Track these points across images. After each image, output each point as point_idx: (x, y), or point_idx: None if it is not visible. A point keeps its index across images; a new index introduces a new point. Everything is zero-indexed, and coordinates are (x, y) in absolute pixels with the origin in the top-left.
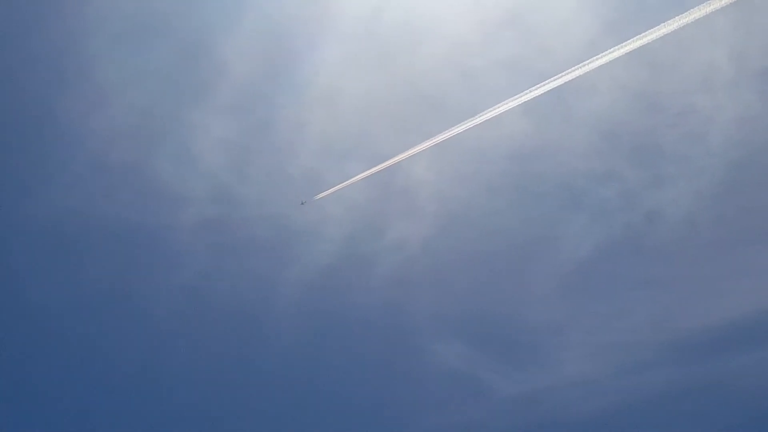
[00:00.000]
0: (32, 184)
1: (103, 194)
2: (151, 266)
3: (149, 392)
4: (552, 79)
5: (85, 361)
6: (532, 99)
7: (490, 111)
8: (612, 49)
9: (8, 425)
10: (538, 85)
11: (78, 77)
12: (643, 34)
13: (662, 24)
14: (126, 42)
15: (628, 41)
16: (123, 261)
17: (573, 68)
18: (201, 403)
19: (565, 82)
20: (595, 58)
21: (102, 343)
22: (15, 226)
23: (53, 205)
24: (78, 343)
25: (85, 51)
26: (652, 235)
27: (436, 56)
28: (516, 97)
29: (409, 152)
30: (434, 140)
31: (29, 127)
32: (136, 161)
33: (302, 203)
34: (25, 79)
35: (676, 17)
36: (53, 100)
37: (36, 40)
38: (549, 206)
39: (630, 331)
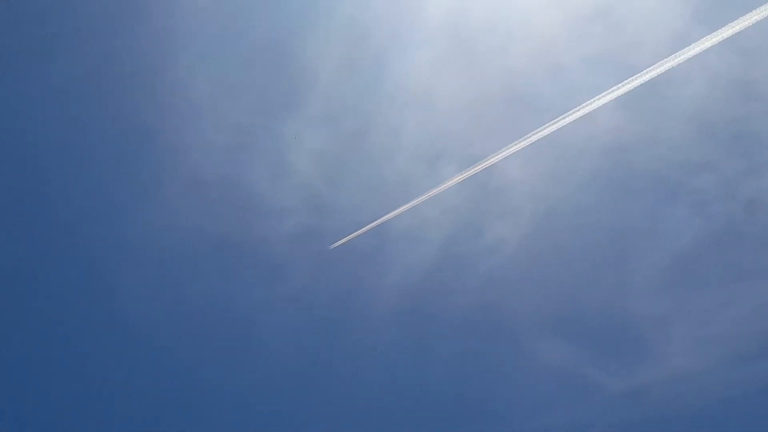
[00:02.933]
0: (128, 203)
1: (200, 209)
2: (251, 279)
3: (254, 403)
4: (643, 71)
5: (188, 378)
6: (624, 93)
7: (583, 107)
8: (704, 38)
9: None
10: (629, 79)
11: (170, 95)
12: (736, 21)
13: (755, 10)
14: (215, 57)
15: (720, 29)
16: (222, 275)
17: (664, 59)
18: (309, 410)
19: (657, 75)
20: (686, 48)
21: (205, 359)
22: (113, 246)
23: (150, 223)
24: (180, 362)
25: (176, 69)
26: (752, 225)
27: (524, 54)
28: (608, 91)
29: (503, 152)
30: (527, 139)
31: (124, 146)
32: (230, 175)
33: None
34: (119, 99)
35: None
36: (147, 119)
37: (128, 60)
38: (646, 200)
39: (734, 322)
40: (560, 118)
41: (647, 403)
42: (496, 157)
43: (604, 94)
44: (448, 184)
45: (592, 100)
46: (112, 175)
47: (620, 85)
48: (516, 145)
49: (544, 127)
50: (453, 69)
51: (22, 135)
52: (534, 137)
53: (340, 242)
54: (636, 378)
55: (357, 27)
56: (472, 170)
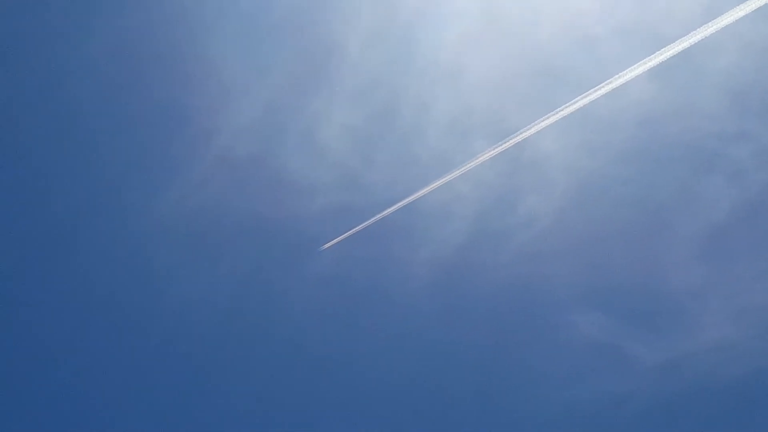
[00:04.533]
0: (160, 183)
1: (233, 189)
2: (284, 257)
3: (288, 380)
4: (676, 42)
5: (223, 356)
6: (657, 64)
7: (615, 79)
8: (736, 7)
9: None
10: (662, 49)
11: (200, 74)
12: None
13: None
14: (244, 35)
15: None
16: (256, 254)
17: (697, 29)
18: (343, 386)
19: (690, 45)
20: (719, 17)
21: (239, 338)
22: (147, 226)
23: (183, 203)
24: (215, 340)
25: (205, 48)
26: None
27: (555, 26)
28: (640, 62)
29: (535, 126)
30: (560, 112)
31: (155, 127)
32: (262, 154)
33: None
34: (151, 80)
35: None
36: (177, 99)
37: (160, 41)
38: (681, 171)
39: None
40: (593, 90)
41: (683, 375)
42: (529, 130)
43: (636, 65)
44: (480, 158)
45: (624, 71)
46: (143, 155)
47: (653, 56)
48: (548, 118)
49: (576, 99)
50: (484, 42)
51: (56, 117)
52: (566, 110)
53: (372, 219)
54: (672, 349)
55: (387, 1)
56: (505, 144)
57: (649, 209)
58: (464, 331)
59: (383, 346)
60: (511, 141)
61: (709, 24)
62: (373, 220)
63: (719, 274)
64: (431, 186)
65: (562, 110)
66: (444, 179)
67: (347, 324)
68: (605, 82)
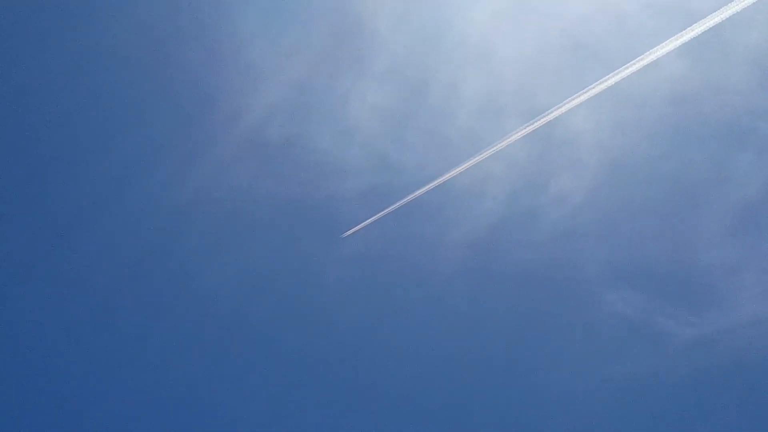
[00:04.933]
0: (189, 166)
1: (263, 170)
2: (316, 240)
3: (323, 362)
4: (707, 17)
5: (255, 340)
6: (688, 40)
7: (647, 55)
8: None
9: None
10: (693, 25)
11: (229, 54)
12: None
13: None
14: (274, 15)
15: None
16: (287, 237)
17: (728, 4)
18: (378, 368)
19: (722, 20)
20: None
21: (271, 322)
22: (173, 210)
23: (212, 186)
24: (246, 325)
25: (234, 27)
26: None
27: (586, 3)
28: (671, 38)
29: (566, 104)
30: (591, 90)
31: (183, 108)
32: (293, 135)
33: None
34: (178, 60)
35: None
36: (205, 80)
37: (187, 19)
38: (713, 147)
39: None
40: (624, 67)
41: (719, 351)
42: (560, 109)
43: (668, 41)
44: (511, 137)
45: (655, 48)
46: (172, 137)
47: (684, 31)
48: (579, 96)
49: (607, 76)
50: (514, 19)
51: (84, 97)
52: (598, 87)
53: (403, 200)
54: (707, 326)
55: None
56: (536, 123)
57: (682, 186)
58: (497, 311)
59: (417, 326)
60: (542, 120)
61: None
62: (404, 200)
63: (754, 250)
64: (462, 166)
65: (594, 88)
66: (475, 159)
67: (380, 305)
68: (636, 59)
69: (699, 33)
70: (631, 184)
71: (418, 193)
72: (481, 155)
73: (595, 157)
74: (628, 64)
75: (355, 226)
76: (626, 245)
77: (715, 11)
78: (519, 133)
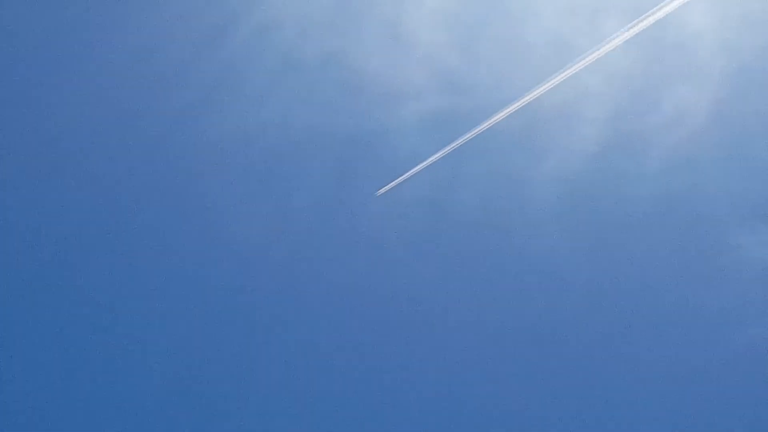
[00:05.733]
0: (217, 97)
1: (301, 97)
2: (370, 180)
3: (395, 314)
4: None
5: (306, 286)
6: None
7: None
8: None
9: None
10: None
11: None
12: None
13: None
14: None
15: None
16: (334, 177)
17: None
18: (468, 318)
19: None
20: None
21: (325, 269)
22: (203, 148)
23: (243, 118)
24: (290, 279)
25: None
26: None
27: None
28: None
29: None
30: None
31: (207, 25)
32: (336, 52)
33: None
34: None
35: None
36: None
37: None
38: None
39: None
40: None
41: None
42: (672, 3)
43: None
44: (612, 43)
45: None
46: (196, 62)
47: None
48: None
49: None
50: None
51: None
52: None
53: (480, 127)
54: None
55: None
56: (643, 23)
57: None
58: (600, 265)
59: (501, 280)
60: (649, 18)
61: None
62: (479, 128)
63: None
64: (550, 82)
65: None
66: (566, 72)
67: (456, 255)
68: None
69: None
70: (767, 95)
71: (496, 118)
72: (574, 68)
73: (719, 62)
74: None
75: (417, 166)
76: (762, 174)
77: None
78: (621, 37)
